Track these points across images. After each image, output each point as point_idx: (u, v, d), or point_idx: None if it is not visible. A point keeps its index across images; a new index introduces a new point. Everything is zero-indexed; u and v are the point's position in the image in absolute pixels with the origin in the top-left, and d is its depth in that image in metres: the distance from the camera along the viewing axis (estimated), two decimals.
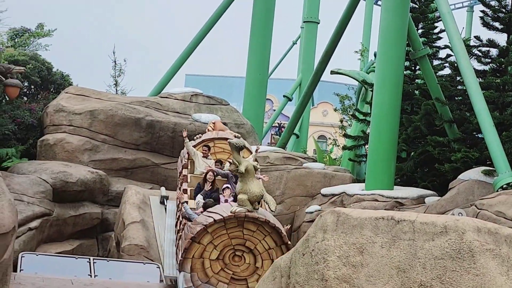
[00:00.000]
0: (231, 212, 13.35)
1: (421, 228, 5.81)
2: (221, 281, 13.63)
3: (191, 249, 13.47)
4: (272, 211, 13.68)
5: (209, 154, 18.65)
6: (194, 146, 18.74)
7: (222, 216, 13.38)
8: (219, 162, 17.98)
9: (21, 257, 16.28)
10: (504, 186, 18.83)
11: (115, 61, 34.02)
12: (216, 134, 19.40)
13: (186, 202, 15.61)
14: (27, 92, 27.38)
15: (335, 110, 41.26)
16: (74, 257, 17.57)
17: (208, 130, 19.91)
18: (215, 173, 16.60)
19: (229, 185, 16.04)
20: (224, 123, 25.04)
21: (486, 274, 5.54)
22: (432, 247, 5.68)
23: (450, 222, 5.76)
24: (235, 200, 14.80)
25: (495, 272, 5.58)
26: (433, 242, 5.70)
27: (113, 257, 19.38)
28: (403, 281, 5.68)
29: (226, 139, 18.15)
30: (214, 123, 20.26)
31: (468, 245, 5.61)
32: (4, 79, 21.24)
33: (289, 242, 13.50)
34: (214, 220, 13.37)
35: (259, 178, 14.99)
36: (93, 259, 16.95)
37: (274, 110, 55.55)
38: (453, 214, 6.49)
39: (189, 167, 18.26)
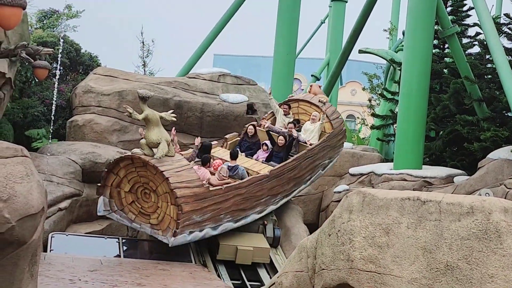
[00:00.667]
0: (131, 153, 16.02)
1: (447, 209, 5.78)
2: (132, 211, 16.25)
3: (109, 178, 16.36)
4: (157, 157, 15.59)
5: (289, 112, 21.25)
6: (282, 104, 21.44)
7: (129, 154, 16.05)
8: (296, 121, 20.37)
9: (51, 237, 16.47)
10: None
11: (143, 42, 34.11)
12: (310, 98, 21.35)
13: None
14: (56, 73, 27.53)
15: (364, 89, 41.12)
16: (104, 237, 17.73)
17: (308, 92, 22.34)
18: (255, 127, 20.31)
19: (267, 142, 19.71)
20: (252, 103, 25.08)
21: None
22: (459, 228, 5.66)
23: (477, 203, 5.73)
24: (269, 155, 19.33)
25: None
26: (460, 223, 5.67)
27: (142, 237, 19.53)
28: (429, 262, 5.67)
29: (309, 102, 20.99)
30: (311, 86, 22.72)
31: (494, 226, 5.58)
32: (32, 60, 21.37)
33: (177, 197, 15.24)
34: (124, 156, 16.24)
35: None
36: (122, 238, 17.11)
37: (302, 89, 55.39)
38: (480, 195, 6.45)
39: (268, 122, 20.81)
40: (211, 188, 16.03)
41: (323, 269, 6.23)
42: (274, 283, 7.15)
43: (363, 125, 40.90)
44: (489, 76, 24.46)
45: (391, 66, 33.41)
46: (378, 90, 36.39)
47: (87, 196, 21.31)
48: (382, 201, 6.04)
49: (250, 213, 17.38)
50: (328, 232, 6.29)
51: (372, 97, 38.16)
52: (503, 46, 21.69)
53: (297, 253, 6.89)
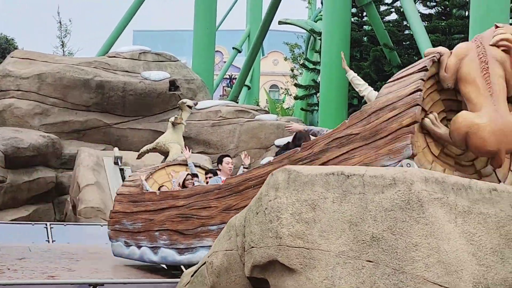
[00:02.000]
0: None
1: (370, 182, 5.89)
2: None
3: None
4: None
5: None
6: None
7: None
8: None
9: None
10: None
11: (60, 22, 33.65)
12: None
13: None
14: None
15: (285, 59, 41.32)
16: (31, 223, 17.52)
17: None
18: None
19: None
20: (174, 80, 24.98)
21: (435, 223, 5.66)
22: (382, 200, 5.77)
23: (399, 174, 5.85)
24: None
25: (444, 220, 5.70)
26: (383, 195, 5.79)
27: (70, 220, 19.38)
28: (355, 234, 5.78)
29: None
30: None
31: (416, 196, 5.71)
32: None
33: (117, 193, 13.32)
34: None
35: None
36: (50, 224, 16.94)
37: (225, 62, 55.38)
38: (402, 166, 6.60)
39: None
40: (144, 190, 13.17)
41: (252, 247, 6.30)
42: (205, 263, 7.19)
43: (286, 95, 41.19)
44: (408, 43, 24.90)
45: (312, 36, 33.67)
46: (300, 60, 36.65)
47: (11, 182, 21.04)
48: (307, 178, 6.13)
49: (196, 245, 11.63)
50: (256, 210, 6.35)
51: (295, 67, 38.43)
52: (420, 12, 22.07)
53: (226, 232, 6.94)
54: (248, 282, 6.63)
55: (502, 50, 6.92)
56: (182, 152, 15.50)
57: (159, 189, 12.90)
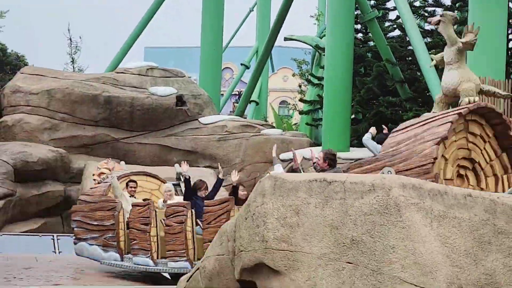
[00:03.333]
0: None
1: (351, 188, 6.19)
2: None
3: None
4: None
5: None
6: None
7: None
8: None
9: None
10: None
11: (70, 39, 34.06)
12: None
13: None
14: None
15: (293, 75, 41.56)
16: (38, 235, 17.87)
17: None
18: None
19: None
20: (181, 95, 25.33)
21: (411, 226, 5.94)
22: (362, 205, 6.06)
23: (377, 181, 6.15)
24: None
25: (420, 223, 5.99)
26: (363, 200, 6.08)
27: None
28: (336, 238, 6.07)
29: None
30: None
31: (394, 201, 6.00)
32: None
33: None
34: None
35: None
36: (57, 236, 17.27)
37: (233, 78, 55.68)
38: (383, 173, 6.92)
39: None
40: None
41: (242, 251, 6.60)
42: (198, 268, 7.50)
43: (294, 110, 41.43)
44: (410, 58, 25.17)
45: (317, 52, 33.97)
46: (306, 76, 36.94)
47: (21, 195, 21.39)
48: (292, 184, 6.43)
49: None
50: (245, 216, 6.66)
51: (303, 83, 38.68)
52: (421, 28, 22.36)
53: (218, 238, 7.26)
54: (238, 285, 6.94)
55: None
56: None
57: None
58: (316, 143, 27.54)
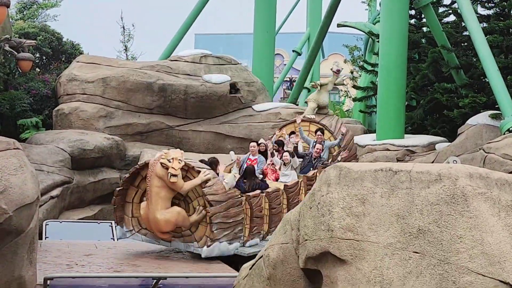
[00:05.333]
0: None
1: (417, 177, 6.17)
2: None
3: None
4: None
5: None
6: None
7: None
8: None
9: (45, 225, 16.85)
10: (511, 128, 19.14)
11: (123, 27, 34.33)
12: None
13: None
14: (40, 63, 27.79)
15: (345, 61, 41.38)
16: (97, 222, 18.10)
17: None
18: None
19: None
20: (235, 83, 25.42)
21: (479, 216, 5.91)
22: (428, 194, 6.04)
23: (444, 170, 6.12)
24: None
25: (487, 213, 5.95)
26: (429, 189, 6.06)
27: None
28: (402, 227, 6.06)
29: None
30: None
31: (461, 190, 5.97)
32: (16, 53, 21.64)
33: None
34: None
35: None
36: (115, 222, 17.47)
37: (285, 64, 55.55)
38: (448, 162, 6.89)
39: None
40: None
41: (306, 240, 6.63)
42: (261, 256, 7.55)
43: (346, 97, 41.26)
44: (465, 44, 24.88)
45: (370, 38, 33.77)
46: (359, 62, 36.74)
47: (78, 183, 21.68)
48: (357, 174, 6.44)
49: None
50: (309, 205, 6.68)
51: (355, 69, 38.50)
52: (477, 13, 22.08)
53: (282, 227, 7.29)
54: (302, 273, 6.98)
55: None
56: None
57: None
58: (370, 130, 27.45)
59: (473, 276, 5.75)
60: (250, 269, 7.78)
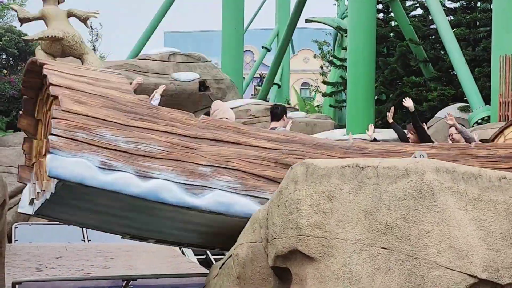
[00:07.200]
0: None
1: (384, 173, 6.14)
2: None
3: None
4: None
5: None
6: None
7: None
8: None
9: (15, 228, 16.63)
10: (479, 121, 19.27)
11: (91, 26, 34.03)
12: None
13: None
14: (6, 64, 27.51)
15: (315, 57, 41.46)
16: (66, 223, 17.89)
17: None
18: None
19: None
20: (204, 80, 25.35)
21: (446, 210, 5.89)
22: (395, 189, 6.02)
23: (411, 165, 6.10)
24: None
25: (454, 207, 5.94)
26: (396, 185, 6.04)
27: None
28: (370, 223, 6.04)
29: None
30: None
31: (428, 185, 5.95)
32: None
33: None
34: None
35: None
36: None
37: (255, 61, 55.54)
38: (415, 157, 6.87)
39: None
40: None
41: (275, 238, 6.59)
42: (231, 255, 7.50)
43: (316, 92, 41.34)
44: (433, 37, 25.00)
45: (339, 33, 33.84)
46: (328, 57, 36.82)
47: None
48: (324, 170, 6.40)
49: None
50: (277, 203, 6.64)
51: (324, 64, 38.57)
52: (444, 7, 22.18)
53: (250, 225, 7.24)
54: (272, 272, 6.93)
55: None
56: None
57: None
58: (340, 125, 27.49)
59: (441, 270, 5.74)
60: (220, 268, 7.73)
